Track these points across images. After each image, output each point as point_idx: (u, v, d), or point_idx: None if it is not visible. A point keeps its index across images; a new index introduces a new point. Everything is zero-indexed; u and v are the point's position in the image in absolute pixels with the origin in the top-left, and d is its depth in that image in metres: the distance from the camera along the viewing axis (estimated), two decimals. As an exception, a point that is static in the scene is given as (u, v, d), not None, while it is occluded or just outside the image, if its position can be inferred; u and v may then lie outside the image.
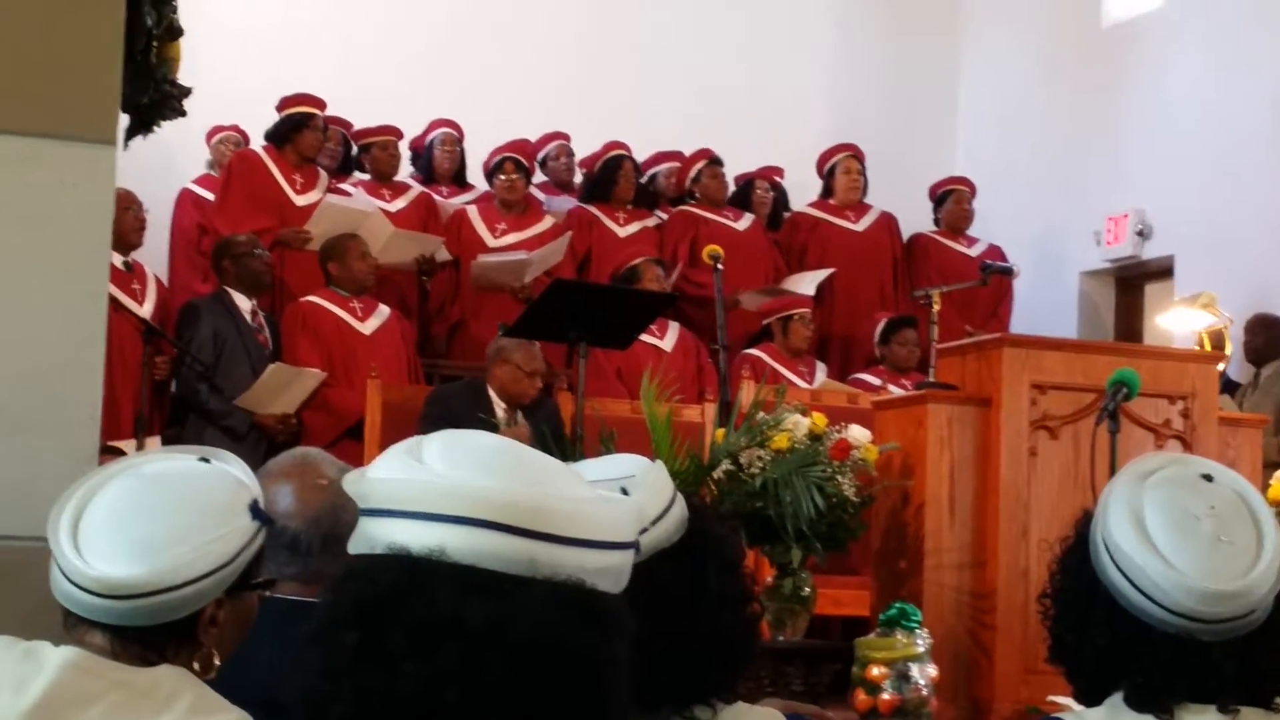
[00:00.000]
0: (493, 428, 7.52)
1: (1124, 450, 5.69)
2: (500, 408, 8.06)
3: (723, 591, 2.42)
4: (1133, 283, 11.69)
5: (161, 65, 3.83)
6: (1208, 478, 2.40)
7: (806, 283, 10.39)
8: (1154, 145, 11.02)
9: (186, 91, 4.05)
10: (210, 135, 10.79)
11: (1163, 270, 11.12)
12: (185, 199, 10.41)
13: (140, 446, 7.68)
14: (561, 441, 7.01)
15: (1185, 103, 10.79)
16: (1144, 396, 6.12)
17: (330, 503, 3.13)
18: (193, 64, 4.32)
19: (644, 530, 2.22)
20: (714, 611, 2.39)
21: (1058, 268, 11.76)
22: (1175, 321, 9.98)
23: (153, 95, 3.88)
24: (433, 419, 7.80)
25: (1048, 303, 11.52)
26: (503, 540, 1.62)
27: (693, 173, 10.91)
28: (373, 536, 1.67)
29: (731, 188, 11.12)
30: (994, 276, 8.67)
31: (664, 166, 11.19)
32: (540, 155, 11.12)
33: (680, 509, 2.37)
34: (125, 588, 2.37)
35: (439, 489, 1.65)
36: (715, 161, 10.93)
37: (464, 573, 1.62)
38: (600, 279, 9.92)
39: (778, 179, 11.47)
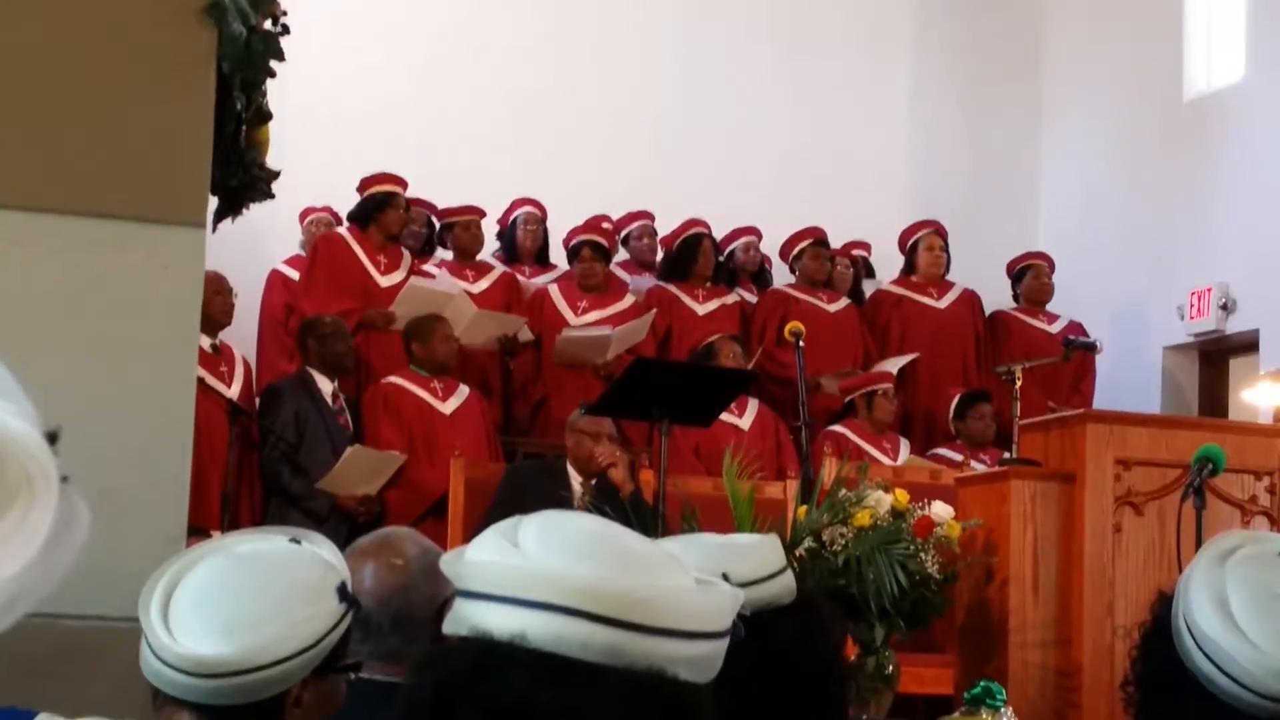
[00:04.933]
0: (567, 503, 7.52)
1: (1210, 527, 5.63)
2: (576, 482, 8.08)
3: (824, 662, 2.41)
4: (1216, 357, 11.57)
5: (250, 149, 3.89)
6: None
7: (889, 366, 10.37)
8: (1237, 218, 10.94)
9: (275, 174, 4.10)
10: (303, 216, 10.81)
11: (1247, 344, 11.01)
12: (274, 280, 10.42)
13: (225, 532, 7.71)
14: (644, 520, 7.00)
15: (1267, 175, 10.71)
16: (1229, 472, 6.06)
17: (400, 583, 3.15)
18: (281, 147, 4.39)
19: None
20: (813, 678, 2.37)
21: (1140, 342, 11.67)
22: (1260, 396, 9.87)
23: (241, 178, 3.93)
24: (503, 497, 7.83)
25: (1130, 378, 11.42)
26: (586, 628, 1.60)
27: (795, 250, 10.88)
28: (463, 618, 1.68)
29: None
30: (1076, 352, 8.61)
31: (741, 241, 11.15)
32: (623, 233, 11.14)
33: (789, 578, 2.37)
34: (213, 666, 2.39)
35: (524, 574, 1.64)
36: (821, 243, 10.87)
37: (541, 659, 1.61)
38: (680, 357, 9.90)
39: (857, 253, 11.45)
